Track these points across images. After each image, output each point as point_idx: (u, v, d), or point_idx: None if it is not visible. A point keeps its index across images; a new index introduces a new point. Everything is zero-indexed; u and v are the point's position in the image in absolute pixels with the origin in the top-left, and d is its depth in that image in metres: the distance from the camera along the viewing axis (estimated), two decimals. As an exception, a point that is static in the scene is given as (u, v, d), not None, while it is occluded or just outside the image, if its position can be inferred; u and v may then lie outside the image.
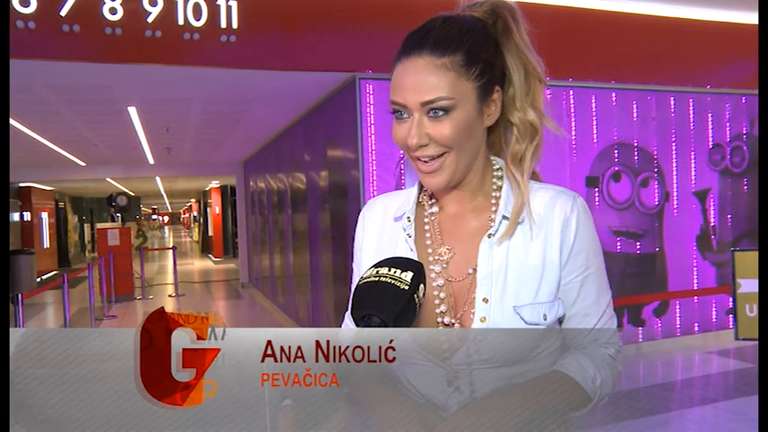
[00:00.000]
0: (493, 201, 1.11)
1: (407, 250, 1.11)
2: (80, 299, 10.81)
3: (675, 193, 6.22)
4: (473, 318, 1.04)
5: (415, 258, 1.07)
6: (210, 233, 21.81)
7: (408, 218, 1.13)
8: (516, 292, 1.04)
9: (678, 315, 6.24)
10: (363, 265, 1.15)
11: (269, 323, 8.60)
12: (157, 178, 16.42)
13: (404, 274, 0.94)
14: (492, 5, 1.08)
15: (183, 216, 52.09)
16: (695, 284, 6.30)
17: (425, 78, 1.00)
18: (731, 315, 5.17)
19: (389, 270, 0.95)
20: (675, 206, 6.22)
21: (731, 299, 3.81)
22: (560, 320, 1.09)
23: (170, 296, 11.82)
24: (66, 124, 7.38)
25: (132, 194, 22.24)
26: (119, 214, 16.60)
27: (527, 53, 1.08)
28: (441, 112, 1.01)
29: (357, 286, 0.97)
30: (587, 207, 1.10)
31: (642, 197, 6.07)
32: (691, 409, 4.63)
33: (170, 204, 41.89)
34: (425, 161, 1.05)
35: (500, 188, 1.11)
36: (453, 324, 1.06)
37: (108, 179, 14.88)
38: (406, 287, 0.93)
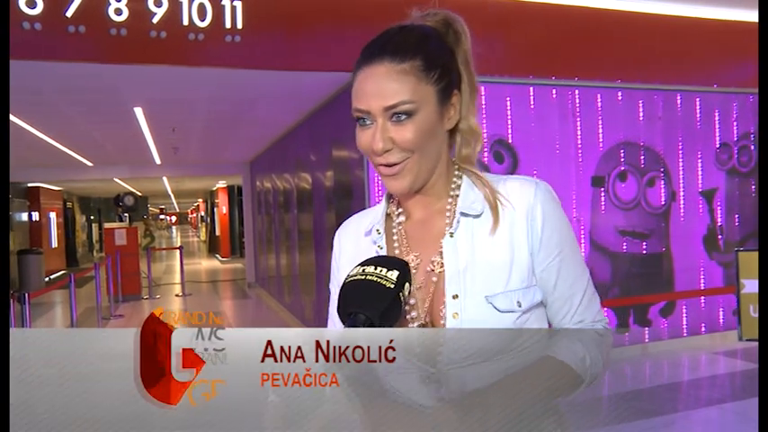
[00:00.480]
0: (450, 200, 1.13)
1: None
2: (87, 298, 10.85)
3: (682, 193, 6.19)
4: (444, 315, 1.06)
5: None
6: (218, 233, 21.88)
7: (378, 230, 1.16)
8: (486, 283, 1.06)
9: (685, 315, 6.21)
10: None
11: (275, 323, 8.62)
12: (164, 178, 16.47)
13: (390, 272, 0.96)
14: (445, 16, 1.12)
15: (190, 216, 52.24)
16: (702, 284, 6.27)
17: (387, 84, 1.03)
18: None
19: (375, 268, 0.97)
20: (682, 206, 6.19)
21: (736, 299, 3.79)
22: (544, 305, 1.11)
23: (177, 296, 11.86)
24: (73, 125, 7.42)
25: (140, 194, 22.33)
26: (126, 214, 16.67)
27: (470, 65, 1.12)
28: (403, 116, 1.03)
29: (343, 284, 0.98)
30: (551, 189, 1.12)
31: (648, 197, 6.04)
32: (696, 410, 4.61)
33: (177, 204, 42.02)
34: (389, 166, 1.06)
35: (459, 186, 1.14)
36: (425, 327, 1.07)
37: (115, 179, 14.93)
38: (392, 285, 0.95)
